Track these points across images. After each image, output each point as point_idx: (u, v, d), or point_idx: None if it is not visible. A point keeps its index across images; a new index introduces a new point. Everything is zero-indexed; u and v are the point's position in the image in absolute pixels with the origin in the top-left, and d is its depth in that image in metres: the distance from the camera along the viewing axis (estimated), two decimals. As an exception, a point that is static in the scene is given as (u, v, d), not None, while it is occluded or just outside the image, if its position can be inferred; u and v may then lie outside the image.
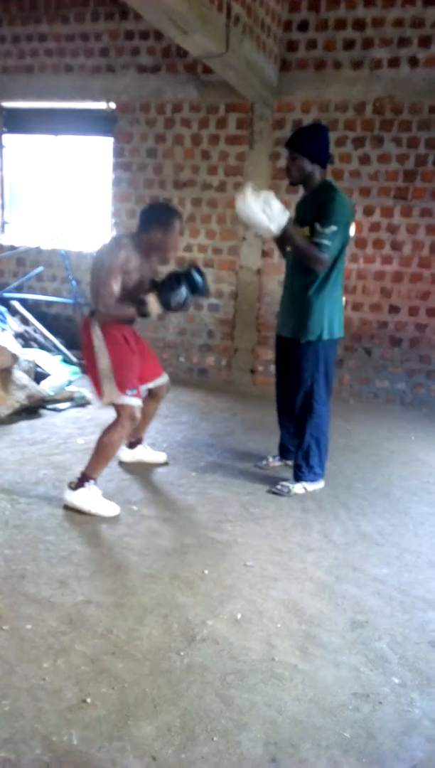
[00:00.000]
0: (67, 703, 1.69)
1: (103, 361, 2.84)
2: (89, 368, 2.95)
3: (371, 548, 2.71)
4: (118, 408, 2.87)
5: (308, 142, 3.04)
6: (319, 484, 3.30)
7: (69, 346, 5.50)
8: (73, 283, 5.68)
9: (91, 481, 2.84)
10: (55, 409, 4.40)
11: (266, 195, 2.86)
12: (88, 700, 1.70)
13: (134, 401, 2.88)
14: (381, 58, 4.63)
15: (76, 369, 5.22)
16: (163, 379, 3.30)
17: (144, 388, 3.11)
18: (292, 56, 4.83)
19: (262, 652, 1.96)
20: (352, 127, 4.79)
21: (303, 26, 4.77)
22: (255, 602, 2.23)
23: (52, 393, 4.50)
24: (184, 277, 2.90)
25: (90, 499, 2.81)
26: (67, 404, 4.49)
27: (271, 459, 3.61)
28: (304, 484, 3.25)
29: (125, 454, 3.45)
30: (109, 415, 2.97)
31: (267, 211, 2.85)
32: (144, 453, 3.49)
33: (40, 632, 1.97)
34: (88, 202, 5.89)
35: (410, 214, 4.76)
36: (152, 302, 2.85)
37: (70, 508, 2.82)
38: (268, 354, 5.20)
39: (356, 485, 3.41)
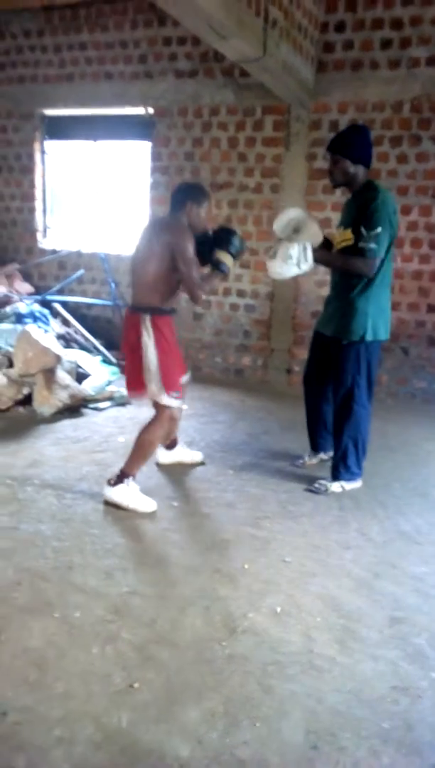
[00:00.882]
0: (115, 688, 1.77)
1: (152, 359, 2.82)
2: (132, 364, 2.92)
3: (410, 546, 2.73)
4: (160, 407, 2.91)
5: (350, 144, 3.06)
6: (356, 483, 3.32)
7: (108, 347, 5.63)
8: (112, 285, 5.81)
9: (130, 478, 2.90)
10: (96, 408, 4.52)
11: (281, 250, 3.02)
12: (136, 685, 1.78)
13: (177, 403, 2.92)
14: (419, 56, 4.60)
15: (115, 369, 5.34)
16: (188, 375, 3.27)
17: None
18: (329, 57, 4.85)
19: (301, 645, 2.01)
20: (389, 127, 4.78)
21: (340, 27, 4.79)
22: (294, 596, 2.28)
23: (93, 393, 4.62)
24: (224, 230, 3.04)
25: (129, 495, 2.88)
26: (107, 403, 4.61)
27: (307, 457, 3.64)
28: (342, 482, 3.28)
29: (163, 456, 3.49)
30: (149, 413, 3.05)
31: (290, 262, 3.02)
32: (181, 453, 3.54)
33: (88, 620, 2.06)
34: (127, 205, 6.01)
35: (448, 212, 4.72)
36: (225, 257, 2.92)
37: (109, 504, 2.90)
38: (304, 354, 5.21)
39: (394, 485, 3.42)
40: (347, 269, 3.06)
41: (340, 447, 3.26)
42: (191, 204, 2.88)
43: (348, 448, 3.25)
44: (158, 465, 3.47)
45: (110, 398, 4.70)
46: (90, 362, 5.11)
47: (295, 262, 3.00)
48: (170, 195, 2.96)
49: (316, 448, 3.62)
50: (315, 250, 3.07)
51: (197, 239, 2.89)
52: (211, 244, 2.98)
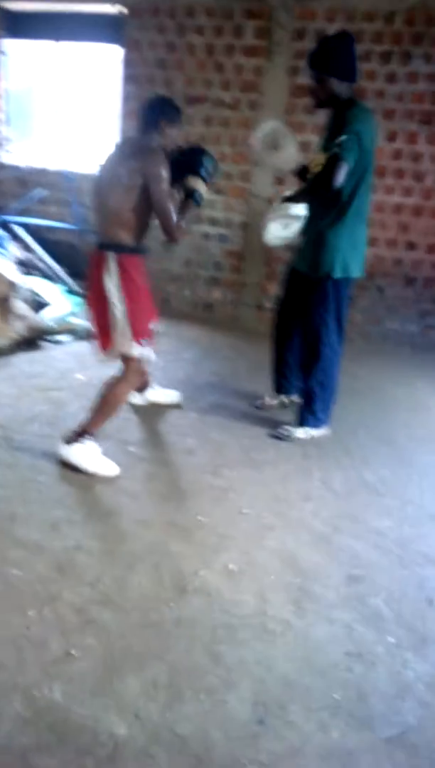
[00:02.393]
0: (51, 656, 1.65)
1: (118, 306, 2.47)
2: (96, 313, 2.59)
3: (372, 498, 2.64)
4: (127, 360, 2.58)
5: (336, 58, 2.68)
6: (323, 430, 3.19)
7: (72, 275, 5.29)
8: (76, 207, 5.40)
9: (89, 437, 2.59)
10: (56, 342, 4.27)
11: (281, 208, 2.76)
12: (73, 652, 1.67)
13: (147, 352, 2.60)
14: (417, -41, 4.13)
15: (79, 299, 5.04)
16: (158, 324, 2.94)
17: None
18: None
19: (254, 606, 1.92)
20: (379, 41, 4.35)
21: None
22: (249, 553, 2.18)
23: (53, 324, 4.35)
24: (194, 150, 2.70)
25: (87, 456, 2.58)
26: (68, 337, 4.36)
27: (267, 398, 3.49)
28: (307, 429, 3.15)
29: (135, 397, 3.23)
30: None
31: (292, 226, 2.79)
32: (156, 394, 3.32)
33: (27, 578, 1.92)
34: (96, 118, 5.50)
35: (436, 141, 4.40)
36: (198, 183, 2.58)
37: (65, 464, 2.59)
38: (277, 290, 4.99)
39: (360, 431, 3.31)
40: (312, 196, 2.79)
41: (306, 391, 3.11)
42: (165, 123, 2.51)
43: (315, 392, 3.10)
44: (131, 405, 3.19)
45: (72, 331, 4.44)
46: (51, 291, 4.80)
47: (278, 230, 2.74)
48: (139, 110, 2.56)
49: (278, 389, 3.45)
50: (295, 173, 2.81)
51: (181, 152, 2.61)
52: (181, 167, 2.62)
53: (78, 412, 3.14)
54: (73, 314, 4.65)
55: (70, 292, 5.07)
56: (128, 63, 5.03)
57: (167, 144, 2.54)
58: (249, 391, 3.72)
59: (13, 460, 2.61)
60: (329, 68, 2.68)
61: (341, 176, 2.60)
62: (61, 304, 4.66)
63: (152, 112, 2.52)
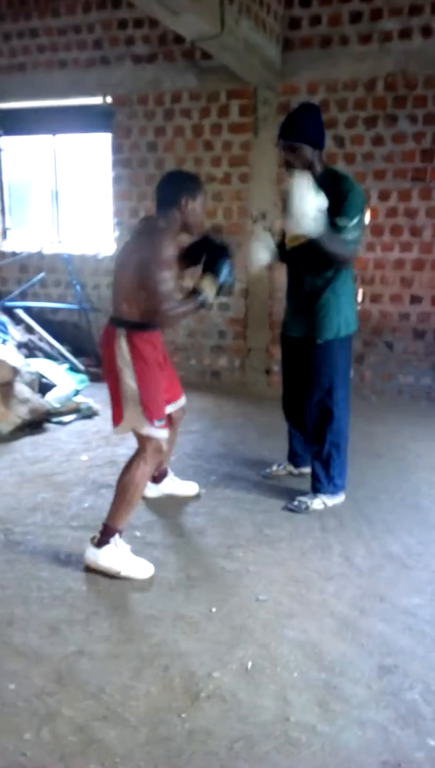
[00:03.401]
0: (48, 787, 1.46)
1: (129, 382, 2.35)
2: (109, 386, 2.46)
3: (400, 572, 2.43)
4: (142, 440, 2.41)
5: (307, 127, 2.74)
6: (339, 498, 3.03)
7: (76, 354, 5.30)
8: (78, 287, 5.48)
9: (117, 535, 2.35)
10: (60, 422, 4.20)
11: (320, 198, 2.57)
12: (73, 781, 1.48)
13: (162, 433, 2.42)
14: (391, 29, 4.29)
15: (83, 377, 5.01)
16: (182, 400, 2.87)
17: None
18: (296, 34, 4.52)
19: (275, 711, 1.72)
20: (362, 107, 4.46)
21: (305, 1, 4.46)
22: (268, 646, 1.98)
23: (57, 405, 4.30)
24: (219, 251, 2.51)
25: (117, 558, 2.32)
26: (72, 416, 4.29)
27: (275, 467, 3.35)
28: (324, 498, 2.98)
29: (150, 489, 2.94)
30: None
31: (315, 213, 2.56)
32: (173, 486, 3.07)
33: (24, 694, 1.75)
34: (90, 202, 5.66)
35: (429, 196, 4.42)
36: (210, 287, 2.44)
37: (92, 570, 2.34)
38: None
39: (381, 496, 3.13)
40: (336, 252, 2.73)
41: (320, 455, 2.97)
42: (187, 198, 2.38)
43: (331, 456, 2.96)
44: (145, 499, 2.91)
45: (76, 410, 4.37)
46: (55, 371, 4.78)
47: (311, 219, 2.52)
48: (156, 189, 2.45)
49: (294, 462, 3.33)
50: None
51: (192, 244, 2.55)
52: (202, 256, 2.53)
53: (83, 497, 3.03)
54: (77, 393, 4.60)
55: (74, 370, 5.06)
56: (118, 148, 5.21)
57: (190, 220, 2.41)
58: (259, 459, 3.58)
59: (12, 556, 2.47)
60: (302, 137, 2.72)
61: (354, 254, 2.83)
62: (65, 383, 4.62)
63: (172, 187, 2.41)
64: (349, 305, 2.89)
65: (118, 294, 2.42)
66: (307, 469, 3.21)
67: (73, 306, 5.53)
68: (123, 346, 2.35)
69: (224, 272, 2.48)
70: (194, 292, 2.44)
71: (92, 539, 2.37)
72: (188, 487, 3.09)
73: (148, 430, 2.39)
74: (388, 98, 4.40)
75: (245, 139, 4.79)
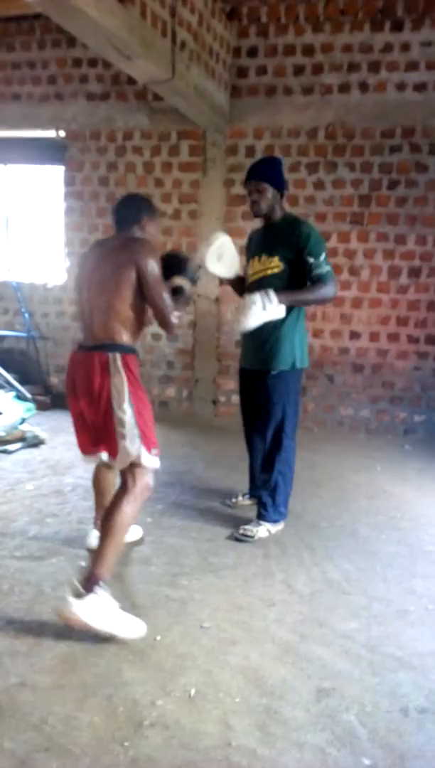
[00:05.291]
0: None
1: (127, 411, 2.21)
2: (91, 420, 2.31)
3: (338, 598, 2.53)
4: (135, 473, 2.26)
5: (272, 172, 2.97)
6: (280, 525, 3.12)
7: (23, 382, 5.26)
8: (26, 315, 5.46)
9: (101, 584, 2.13)
10: (5, 451, 4.15)
11: (259, 299, 2.79)
12: None
13: (158, 463, 2.31)
14: (331, 83, 4.59)
15: (30, 406, 4.97)
16: None
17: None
18: (243, 82, 4.77)
19: (217, 736, 1.75)
20: (305, 153, 4.72)
21: (252, 52, 4.72)
22: (211, 673, 2.02)
23: (2, 433, 4.25)
24: (175, 255, 2.68)
25: (105, 611, 2.09)
26: (18, 445, 4.25)
27: (241, 497, 3.42)
28: (268, 526, 3.07)
29: (95, 538, 2.58)
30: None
31: (269, 308, 2.79)
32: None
33: (-36, 728, 1.72)
34: (40, 232, 5.70)
35: (367, 239, 4.70)
36: (186, 284, 2.52)
37: (77, 627, 2.07)
38: (230, 384, 5.05)
39: (321, 524, 3.24)
40: (319, 299, 2.96)
41: (269, 484, 3.06)
42: (147, 218, 2.43)
43: (278, 485, 3.06)
44: (89, 550, 2.68)
45: (22, 438, 4.34)
46: (1, 399, 4.72)
47: (260, 307, 2.77)
48: (115, 209, 2.48)
49: (255, 493, 3.37)
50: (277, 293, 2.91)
51: (165, 258, 2.54)
52: (164, 270, 2.55)
53: (28, 527, 3.01)
54: (23, 421, 4.57)
55: (21, 398, 5.01)
56: (71, 181, 5.30)
57: (151, 240, 2.43)
58: (205, 488, 3.64)
59: None
60: (268, 179, 2.94)
61: (335, 288, 2.95)
62: (12, 411, 4.58)
63: (132, 209, 2.43)
64: (302, 340, 3.05)
65: (100, 318, 2.28)
66: (246, 498, 3.30)
67: (21, 334, 5.50)
68: (121, 373, 2.22)
69: (190, 268, 2.61)
70: (176, 291, 2.47)
71: (74, 592, 2.10)
72: (133, 532, 2.84)
73: (148, 460, 2.26)
74: (328, 146, 4.67)
75: (195, 178, 4.97)
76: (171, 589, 2.53)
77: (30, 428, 4.43)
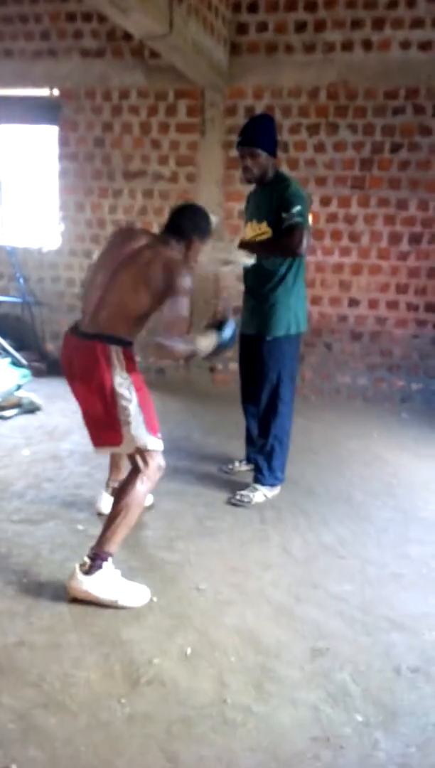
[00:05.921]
0: (-13, 774, 1.48)
1: (131, 400, 2.21)
2: (93, 407, 2.29)
3: (333, 562, 2.56)
4: (144, 456, 2.26)
5: (265, 136, 2.89)
6: (277, 490, 3.14)
7: (18, 348, 5.21)
8: (21, 280, 5.39)
9: (109, 560, 2.19)
10: (1, 417, 4.14)
11: (226, 247, 2.75)
12: (13, 767, 1.50)
13: (161, 445, 2.31)
14: (334, 41, 4.45)
15: (26, 372, 4.94)
16: None
17: None
18: (243, 39, 4.62)
19: (212, 694, 1.78)
20: (306, 114, 4.61)
21: (253, 7, 4.56)
22: (207, 632, 2.05)
23: (-2, 399, 4.23)
24: (228, 320, 2.51)
25: (111, 584, 2.15)
26: (14, 411, 4.24)
27: (237, 463, 3.43)
28: (265, 490, 3.08)
29: (106, 502, 2.71)
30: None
31: (232, 259, 2.76)
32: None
33: (-37, 685, 1.75)
34: (35, 195, 5.59)
35: (368, 203, 4.62)
36: (207, 339, 2.38)
37: (81, 600, 2.14)
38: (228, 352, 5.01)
39: (317, 490, 3.26)
40: (274, 252, 2.87)
41: (264, 448, 3.08)
42: (198, 238, 2.36)
43: (274, 449, 3.08)
44: (99, 515, 2.75)
45: (18, 405, 4.32)
46: (-4, 366, 4.69)
47: (223, 261, 2.78)
48: (173, 212, 2.40)
49: (247, 458, 3.40)
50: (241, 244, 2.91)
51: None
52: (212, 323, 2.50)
53: (24, 491, 3.02)
54: (19, 387, 4.54)
55: (17, 364, 4.98)
56: (65, 142, 5.17)
57: (191, 260, 2.38)
58: (202, 454, 3.65)
59: None
60: (261, 144, 2.86)
61: (306, 243, 2.80)
62: (7, 377, 4.55)
63: (188, 222, 2.36)
64: (300, 304, 3.02)
65: (114, 311, 2.21)
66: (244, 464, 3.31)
67: (16, 299, 5.44)
68: (123, 364, 2.20)
69: (228, 333, 2.45)
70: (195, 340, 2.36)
71: (81, 566, 2.15)
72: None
73: (154, 444, 2.26)
74: (330, 107, 4.55)
75: (192, 139, 4.85)
76: (168, 552, 2.55)
77: (26, 394, 4.41)
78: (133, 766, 1.53)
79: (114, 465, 2.79)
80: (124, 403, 2.20)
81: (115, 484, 2.62)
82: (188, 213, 2.41)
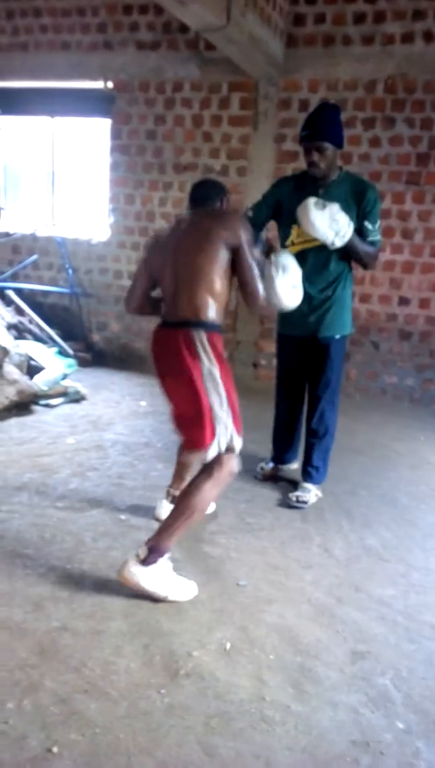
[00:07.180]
0: (30, 753, 1.51)
1: (221, 394, 2.11)
2: (181, 403, 2.22)
3: (376, 565, 2.51)
4: (223, 458, 2.15)
5: (333, 129, 2.75)
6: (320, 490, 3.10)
7: (65, 338, 5.30)
8: (70, 271, 5.48)
9: (166, 555, 2.15)
10: (47, 405, 4.21)
11: (331, 208, 2.66)
12: (55, 749, 1.52)
13: (241, 444, 2.21)
14: (393, 32, 4.34)
15: (72, 362, 5.03)
16: None
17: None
18: (299, 31, 4.55)
19: (251, 690, 1.78)
20: (362, 107, 4.51)
21: (311, -1, 4.49)
22: (247, 629, 2.04)
23: (45, 388, 4.31)
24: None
25: (164, 579, 2.11)
26: (60, 399, 4.31)
27: (266, 466, 3.36)
28: (316, 490, 3.04)
29: (165, 509, 2.61)
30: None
31: (334, 226, 2.67)
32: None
33: (8, 665, 1.79)
34: (86, 187, 5.66)
35: (422, 200, 4.50)
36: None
37: (122, 589, 2.12)
38: (272, 347, 4.97)
39: (361, 492, 3.21)
40: (368, 256, 2.87)
41: (320, 447, 3.06)
42: (222, 198, 2.39)
43: (329, 448, 3.11)
44: (157, 520, 2.62)
45: (64, 394, 4.39)
46: (44, 354, 4.78)
47: (328, 220, 2.65)
48: (193, 190, 2.40)
49: (281, 459, 3.31)
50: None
51: None
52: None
53: (69, 479, 3.07)
54: (65, 376, 4.62)
55: (63, 354, 5.07)
56: (117, 134, 5.21)
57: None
58: (244, 451, 3.60)
59: (-2, 533, 2.50)
60: (332, 138, 2.72)
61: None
62: (54, 366, 4.63)
63: (213, 189, 2.38)
64: (351, 305, 3.05)
65: (194, 288, 2.15)
66: (294, 465, 3.28)
67: (64, 290, 5.53)
68: (209, 353, 2.11)
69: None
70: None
71: (137, 555, 2.11)
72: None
73: (238, 443, 2.17)
74: (387, 100, 4.45)
75: (245, 133, 4.82)
76: (209, 546, 2.55)
77: (71, 384, 4.48)
78: (172, 757, 1.53)
79: (178, 474, 2.67)
80: (210, 397, 2.11)
81: (176, 493, 2.55)
82: (204, 185, 2.43)
